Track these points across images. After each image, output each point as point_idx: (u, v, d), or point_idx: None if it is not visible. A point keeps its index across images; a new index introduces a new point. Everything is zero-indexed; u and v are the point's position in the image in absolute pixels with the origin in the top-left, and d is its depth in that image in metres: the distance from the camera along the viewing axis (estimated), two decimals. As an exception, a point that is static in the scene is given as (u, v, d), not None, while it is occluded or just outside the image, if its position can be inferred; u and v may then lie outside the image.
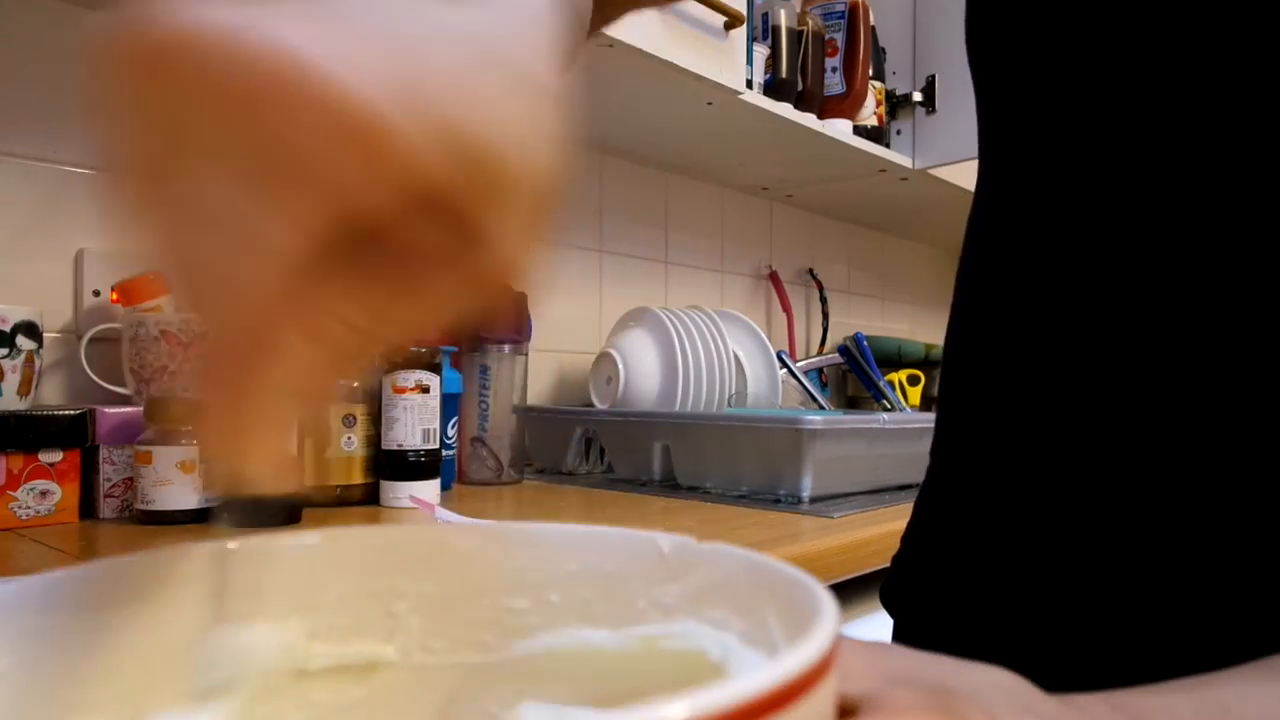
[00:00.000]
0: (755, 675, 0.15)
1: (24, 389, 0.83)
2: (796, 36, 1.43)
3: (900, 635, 0.53)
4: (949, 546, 0.49)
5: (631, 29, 1.05)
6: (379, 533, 0.27)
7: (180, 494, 0.80)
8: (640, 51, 1.07)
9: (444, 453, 0.96)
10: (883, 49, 1.65)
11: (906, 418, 1.15)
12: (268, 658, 0.24)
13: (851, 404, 1.82)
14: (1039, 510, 0.43)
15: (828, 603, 0.20)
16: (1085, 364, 0.41)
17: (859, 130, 1.53)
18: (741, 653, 0.24)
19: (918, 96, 1.62)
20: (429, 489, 0.91)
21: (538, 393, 1.42)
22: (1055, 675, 0.36)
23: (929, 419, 1.21)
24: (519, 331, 1.15)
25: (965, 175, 1.71)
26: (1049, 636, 0.42)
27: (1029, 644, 0.43)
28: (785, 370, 1.34)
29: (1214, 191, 0.37)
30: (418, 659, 0.26)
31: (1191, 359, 0.37)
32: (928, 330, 2.40)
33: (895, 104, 1.64)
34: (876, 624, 0.73)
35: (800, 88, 1.43)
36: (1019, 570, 0.44)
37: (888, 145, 1.62)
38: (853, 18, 1.50)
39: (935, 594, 0.49)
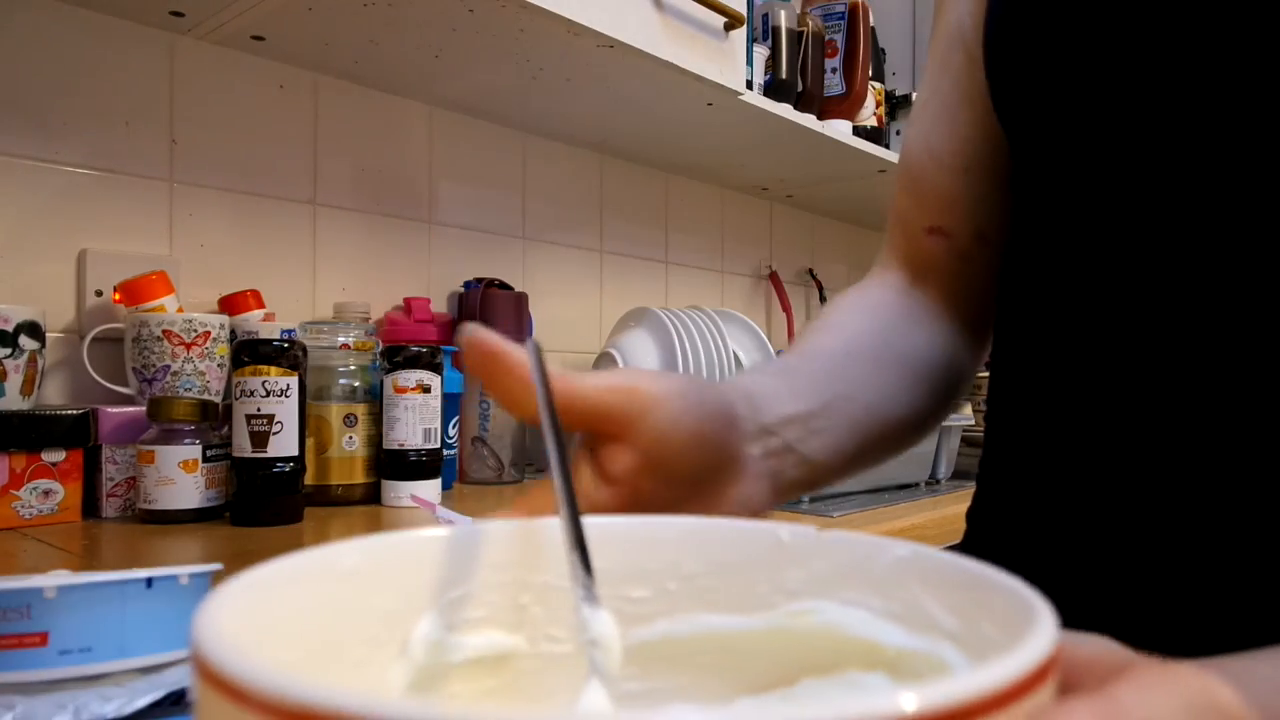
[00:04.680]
0: (991, 670, 0.14)
1: (27, 389, 0.83)
2: (796, 37, 1.43)
3: None
4: (1012, 531, 0.48)
5: (632, 29, 1.05)
6: (495, 528, 0.27)
7: (182, 493, 0.80)
8: (640, 52, 1.07)
9: (445, 452, 0.96)
10: (882, 50, 1.65)
11: (906, 418, 1.15)
12: (418, 652, 0.25)
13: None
14: (1099, 496, 0.43)
15: (1027, 592, 0.19)
16: (1132, 360, 0.41)
17: (859, 131, 1.53)
18: (884, 626, 0.24)
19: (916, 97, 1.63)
20: (430, 488, 0.91)
21: (538, 392, 1.42)
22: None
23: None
24: (519, 331, 1.15)
25: (965, 175, 1.70)
26: (1113, 618, 0.42)
27: (1094, 625, 0.43)
28: (785, 370, 1.35)
29: (1248, 209, 0.37)
30: (544, 648, 0.27)
31: (1237, 360, 0.38)
32: (928, 330, 2.39)
33: (895, 104, 1.65)
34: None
35: (800, 88, 1.43)
36: (1081, 553, 0.44)
37: (887, 146, 1.62)
38: (852, 19, 1.50)
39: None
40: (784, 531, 0.27)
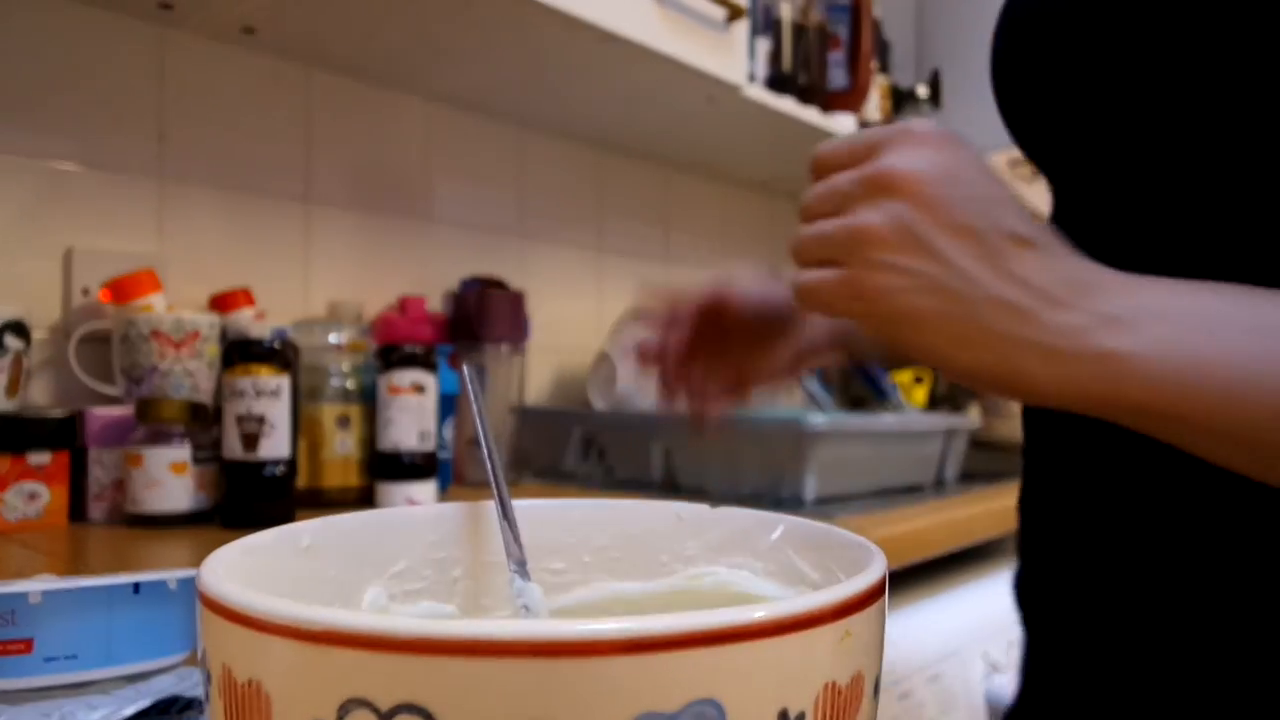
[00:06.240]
0: (841, 586, 0.19)
1: (12, 389, 0.81)
2: (799, 30, 1.42)
3: (1034, 638, 0.54)
4: (1061, 522, 0.50)
5: (631, 23, 1.04)
6: (427, 512, 0.32)
7: (171, 496, 0.79)
8: (640, 46, 1.06)
9: (440, 454, 0.94)
10: (887, 42, 1.63)
11: (910, 419, 1.14)
12: None
13: (855, 405, 1.80)
14: (1147, 510, 0.44)
15: (867, 544, 0.24)
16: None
17: (864, 126, 1.52)
18: (763, 583, 0.30)
19: (923, 91, 1.61)
20: (425, 490, 0.89)
21: (536, 392, 1.41)
22: (1185, 667, 0.40)
23: (932, 420, 1.20)
24: (517, 331, 1.14)
25: (967, 173, 1.69)
26: (1173, 637, 0.42)
27: (1151, 641, 0.44)
28: (787, 370, 1.33)
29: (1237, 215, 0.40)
30: (475, 613, 0.32)
31: None
32: (928, 330, 2.38)
33: (900, 99, 1.63)
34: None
35: (803, 82, 1.41)
36: (1140, 573, 0.44)
37: (890, 142, 1.60)
38: (856, 11, 1.49)
39: (1065, 593, 0.50)
40: (680, 509, 0.32)
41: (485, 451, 0.32)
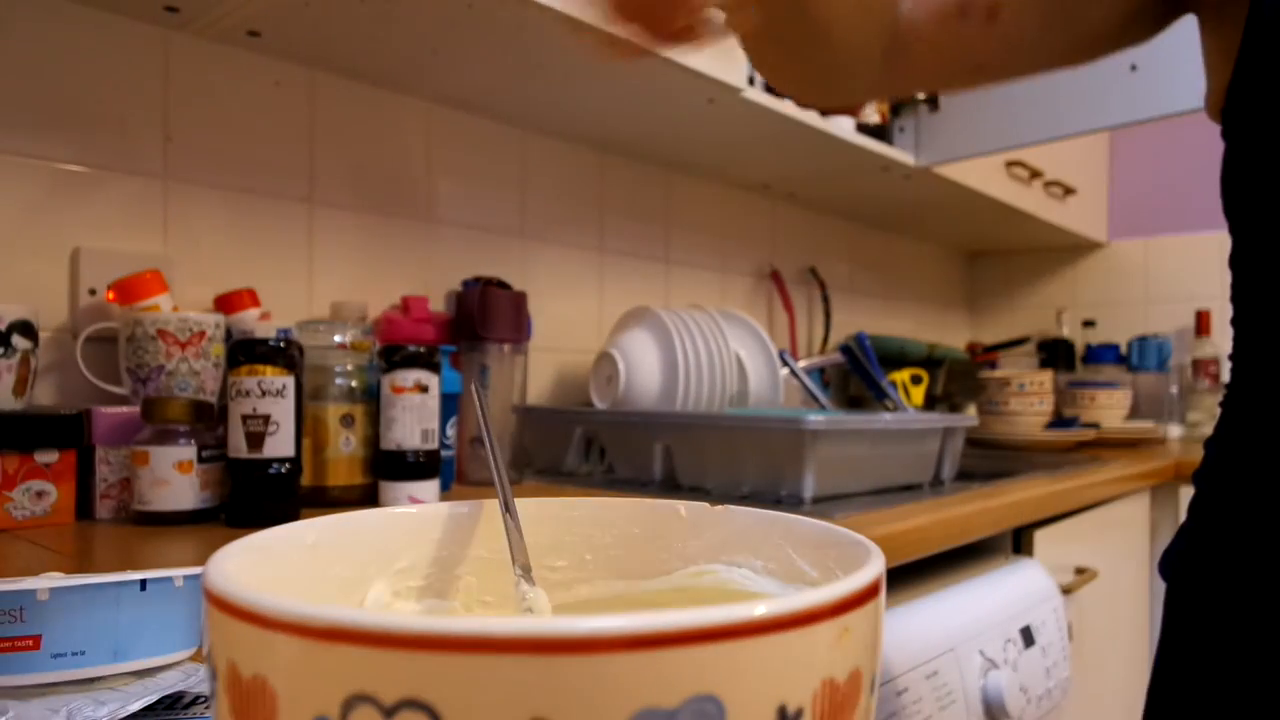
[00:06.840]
0: (838, 584, 0.19)
1: (19, 389, 0.82)
2: (798, 34, 1.42)
3: (1174, 605, 0.59)
4: (1234, 526, 0.55)
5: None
6: (430, 510, 0.32)
7: (177, 494, 0.79)
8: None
9: (443, 453, 0.95)
10: (885, 46, 1.64)
11: (909, 418, 1.14)
12: None
13: (854, 404, 1.81)
14: None
15: (851, 535, 0.24)
16: None
17: (862, 128, 1.52)
18: (763, 580, 0.30)
19: (921, 94, 1.61)
20: (428, 489, 0.90)
21: (538, 392, 1.41)
22: None
23: (931, 419, 1.21)
24: (518, 331, 1.15)
25: (967, 173, 1.70)
26: None
27: None
28: (787, 370, 1.34)
29: None
30: (477, 610, 0.32)
31: None
32: (930, 329, 2.39)
33: (899, 101, 1.63)
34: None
35: (802, 85, 1.41)
36: None
37: (890, 142, 1.61)
38: (855, 15, 1.49)
39: (1216, 568, 0.55)
40: (682, 508, 0.32)
41: (488, 450, 0.32)
